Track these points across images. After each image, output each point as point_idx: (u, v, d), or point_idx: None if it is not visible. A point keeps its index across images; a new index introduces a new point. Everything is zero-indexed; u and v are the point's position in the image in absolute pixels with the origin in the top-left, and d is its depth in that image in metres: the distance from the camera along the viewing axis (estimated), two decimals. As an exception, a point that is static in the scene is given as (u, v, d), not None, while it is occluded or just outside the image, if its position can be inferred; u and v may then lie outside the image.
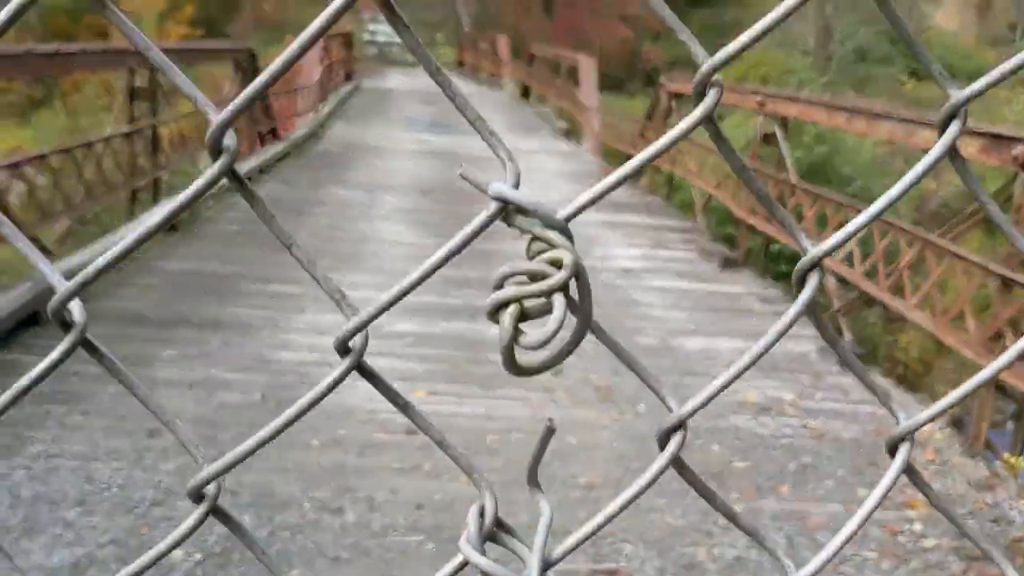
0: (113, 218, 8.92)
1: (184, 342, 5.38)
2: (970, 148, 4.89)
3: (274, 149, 11.70)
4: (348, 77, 20.90)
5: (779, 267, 10.17)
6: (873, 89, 30.33)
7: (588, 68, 15.87)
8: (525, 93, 21.94)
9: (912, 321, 5.64)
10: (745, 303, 7.14)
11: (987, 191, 0.56)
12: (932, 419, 0.56)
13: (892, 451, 0.57)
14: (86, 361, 0.57)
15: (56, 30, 24.79)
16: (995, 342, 4.71)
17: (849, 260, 6.34)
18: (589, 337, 0.55)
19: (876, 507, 0.56)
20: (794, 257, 5.15)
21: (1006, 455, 4.51)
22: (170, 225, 7.28)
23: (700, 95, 0.48)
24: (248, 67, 11.22)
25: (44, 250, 6.50)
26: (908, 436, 0.56)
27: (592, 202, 0.49)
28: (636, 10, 31.81)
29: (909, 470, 0.56)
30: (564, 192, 10.97)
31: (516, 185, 0.47)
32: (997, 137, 4.87)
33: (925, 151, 0.58)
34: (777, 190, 7.39)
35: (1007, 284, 4.65)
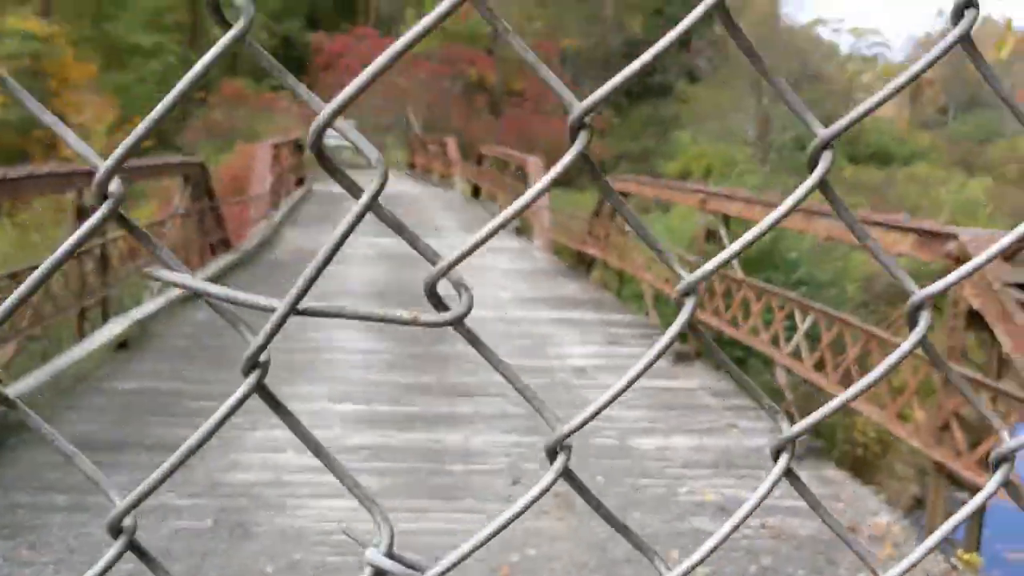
0: (62, 336, 8.79)
1: (134, 467, 5.27)
2: (903, 244, 5.07)
3: (226, 259, 11.70)
4: (299, 182, 21.09)
5: (734, 353, 10.29)
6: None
7: (536, 167, 16.21)
8: (476, 192, 22.29)
9: (862, 413, 5.73)
10: (699, 398, 7.20)
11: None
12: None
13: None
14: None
15: (5, 145, 24.78)
16: (943, 432, 4.79)
17: (797, 354, 6.45)
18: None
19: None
20: (747, 347, 5.19)
21: (960, 551, 4.54)
22: (120, 342, 7.17)
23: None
24: (198, 179, 11.29)
25: (-11, 377, 6.38)
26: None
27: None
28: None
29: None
30: (516, 290, 11.08)
31: (390, 549, 0.50)
32: (930, 233, 5.05)
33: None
34: (724, 285, 7.54)
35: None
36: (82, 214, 8.15)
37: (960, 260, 4.69)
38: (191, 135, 28.29)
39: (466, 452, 5.71)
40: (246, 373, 0.52)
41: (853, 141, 36.37)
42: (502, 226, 0.54)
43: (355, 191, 0.51)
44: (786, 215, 0.57)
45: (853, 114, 0.57)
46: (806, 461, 5.84)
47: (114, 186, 0.50)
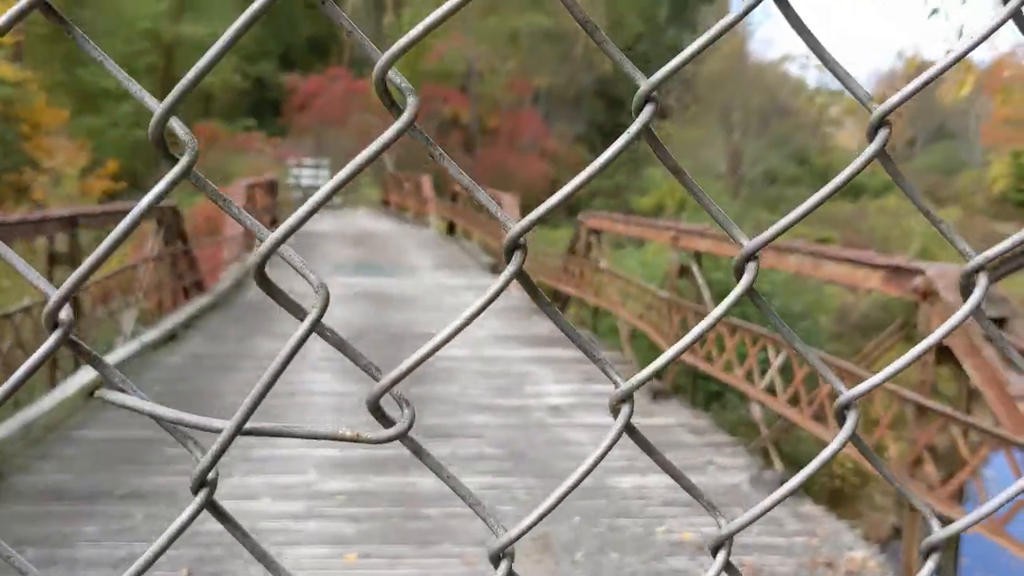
0: (34, 384, 8.68)
1: (106, 517, 5.21)
2: (872, 280, 5.13)
3: (200, 302, 11.63)
4: (274, 222, 21.05)
5: (709, 387, 10.33)
6: (786, 207, 31.66)
7: (511, 205, 16.29)
8: (451, 230, 22.34)
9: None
10: (676, 435, 7.21)
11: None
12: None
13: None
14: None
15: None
16: (916, 467, 4.83)
17: (772, 389, 6.49)
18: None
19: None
20: (724, 385, 5.21)
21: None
22: (90, 390, 7.10)
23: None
24: (171, 223, 11.26)
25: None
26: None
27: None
28: (553, 146, 32.99)
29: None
30: (491, 327, 11.07)
31: None
32: (898, 269, 5.12)
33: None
34: (697, 321, 7.59)
35: (922, 409, 4.81)
36: (54, 260, 8.11)
37: (927, 295, 4.76)
38: (162, 178, 28.17)
39: (441, 495, 5.67)
40: (195, 491, 0.52)
41: (824, 174, 36.84)
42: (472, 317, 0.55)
43: (298, 312, 0.52)
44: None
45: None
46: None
47: (64, 314, 0.51)
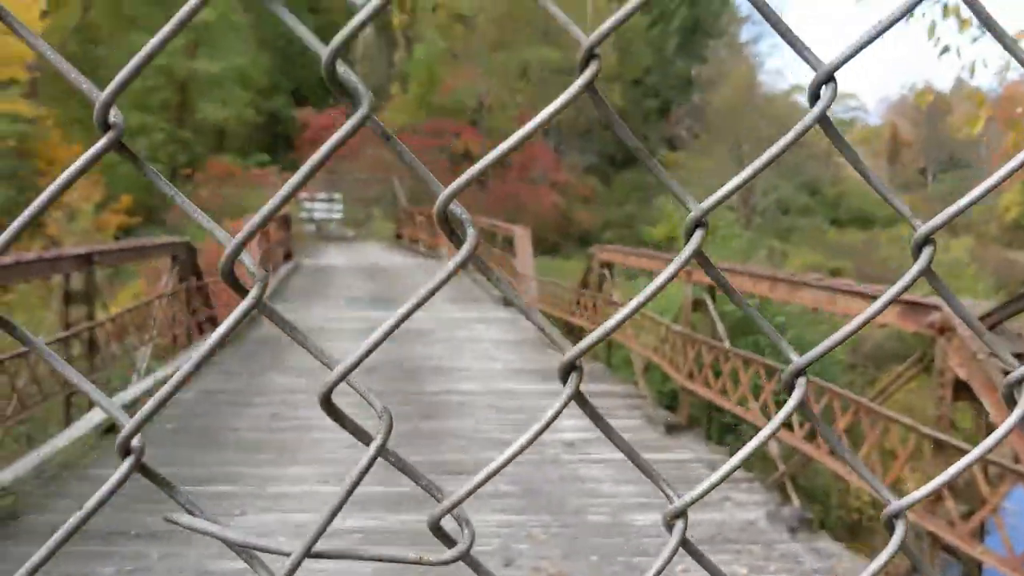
0: (48, 425, 8.72)
1: (123, 557, 5.20)
2: (887, 315, 5.11)
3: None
4: (287, 257, 21.17)
5: (723, 419, 10.27)
6: (797, 238, 31.67)
7: (524, 238, 16.33)
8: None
9: (855, 485, 5.71)
10: (692, 470, 7.16)
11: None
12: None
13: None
14: None
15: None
16: (936, 503, 4.78)
17: (788, 424, 6.44)
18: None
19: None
20: (736, 418, 5.16)
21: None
22: (107, 427, 7.11)
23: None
24: (186, 259, 11.33)
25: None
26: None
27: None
28: (564, 178, 33.11)
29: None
30: (505, 360, 11.06)
31: None
32: (914, 304, 5.11)
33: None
34: (712, 355, 7.56)
35: (940, 445, 4.78)
36: (70, 298, 8.16)
37: (944, 330, 4.74)
38: (178, 212, 28.42)
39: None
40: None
41: (836, 204, 36.87)
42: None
43: (364, 438, 0.53)
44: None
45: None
46: (800, 533, 5.80)
47: (136, 441, 0.52)
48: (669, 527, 0.60)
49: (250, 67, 31.85)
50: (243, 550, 0.54)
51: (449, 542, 0.54)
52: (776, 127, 34.34)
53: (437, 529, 0.53)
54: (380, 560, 0.54)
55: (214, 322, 12.52)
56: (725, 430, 10.94)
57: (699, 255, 0.56)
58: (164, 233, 24.69)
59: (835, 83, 0.55)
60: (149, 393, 8.68)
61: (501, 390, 9.51)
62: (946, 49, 6.26)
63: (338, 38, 0.48)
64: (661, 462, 7.30)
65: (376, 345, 0.52)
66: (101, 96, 0.52)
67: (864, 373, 18.38)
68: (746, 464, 8.69)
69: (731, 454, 7.92)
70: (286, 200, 0.51)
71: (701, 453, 7.64)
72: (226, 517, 5.72)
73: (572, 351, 0.57)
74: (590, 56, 0.52)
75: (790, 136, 0.55)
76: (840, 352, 17.71)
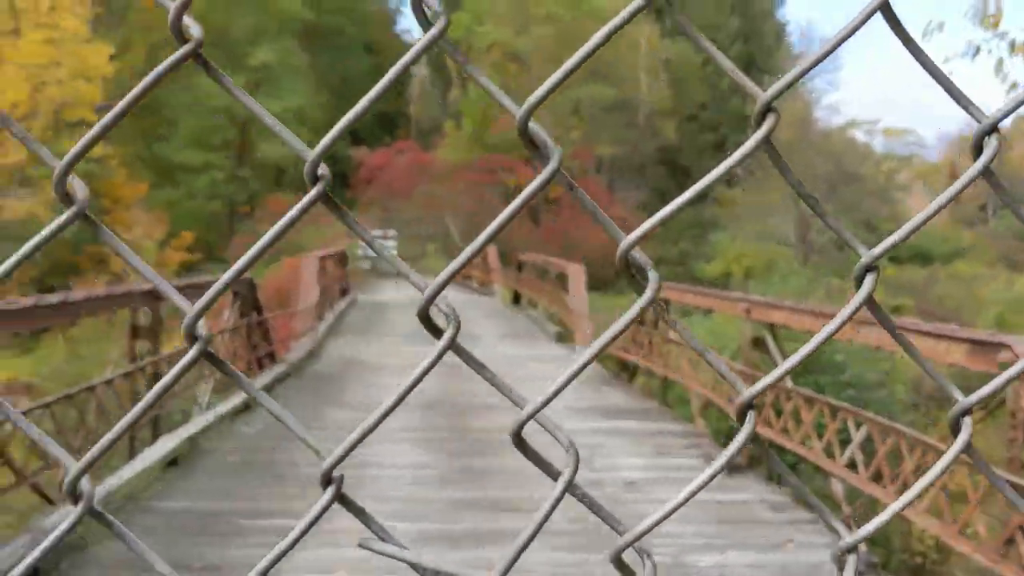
0: (113, 460, 8.87)
1: (184, 590, 5.26)
2: (955, 354, 5.01)
3: (273, 371, 11.82)
4: (344, 293, 21.42)
5: (785, 458, 10.08)
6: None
7: (577, 274, 16.34)
8: (516, 299, 22.45)
9: (923, 527, 5.57)
10: (755, 512, 7.04)
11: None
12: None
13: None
14: None
15: (58, 261, 25.53)
16: (1008, 546, 4.64)
17: (853, 464, 6.32)
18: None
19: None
20: (799, 457, 5.08)
21: None
22: (170, 460, 7.21)
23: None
24: (247, 295, 11.53)
25: (45, 498, 6.45)
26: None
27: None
28: (617, 214, 33.09)
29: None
30: (563, 399, 10.98)
31: None
32: (981, 343, 4.99)
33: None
34: (773, 394, 7.46)
35: (1015, 488, 4.64)
36: (137, 332, 8.35)
37: (1018, 370, 4.62)
38: (236, 249, 28.98)
39: (516, 570, 5.60)
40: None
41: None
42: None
43: (551, 472, 0.55)
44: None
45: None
46: (867, 577, 5.66)
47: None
48: (840, 562, 0.60)
49: (308, 106, 32.52)
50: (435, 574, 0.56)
51: (628, 572, 0.55)
52: (832, 163, 34.05)
53: (619, 561, 0.55)
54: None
55: (273, 357, 12.69)
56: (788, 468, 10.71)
57: (870, 302, 0.57)
58: (223, 269, 25.12)
59: (999, 134, 0.56)
60: (213, 427, 8.81)
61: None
62: (1014, 86, 6.16)
63: (533, 97, 0.50)
64: (722, 503, 7.20)
65: (564, 386, 0.53)
66: (311, 155, 0.55)
67: (927, 413, 17.94)
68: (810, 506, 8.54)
69: (795, 495, 7.77)
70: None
71: (764, 494, 7.51)
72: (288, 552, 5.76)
73: (747, 392, 0.58)
74: (767, 110, 0.53)
75: (957, 186, 0.56)
76: (902, 391, 17.35)
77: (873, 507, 7.33)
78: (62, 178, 0.54)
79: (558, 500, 0.53)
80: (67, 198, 0.55)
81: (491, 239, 0.55)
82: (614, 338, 0.55)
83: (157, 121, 31.19)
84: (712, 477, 0.58)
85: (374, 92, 0.55)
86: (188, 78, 29.06)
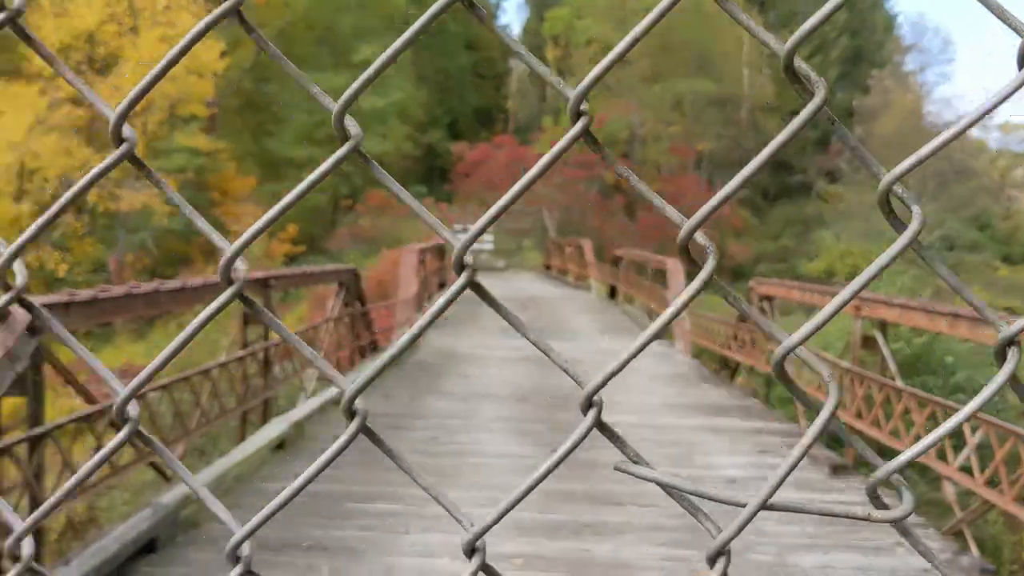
0: (220, 443, 9.21)
1: (294, 568, 5.41)
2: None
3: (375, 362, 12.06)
4: (442, 285, 21.67)
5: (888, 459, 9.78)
6: (966, 276, 30.02)
7: (676, 270, 16.16)
8: (612, 294, 22.34)
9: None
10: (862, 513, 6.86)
11: None
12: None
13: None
14: None
15: (171, 251, 26.54)
16: None
17: (967, 468, 6.10)
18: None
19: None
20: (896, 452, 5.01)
21: None
22: (278, 443, 7.43)
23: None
24: (351, 285, 11.79)
25: (162, 475, 6.73)
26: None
27: None
28: (717, 211, 32.56)
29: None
30: (662, 395, 10.94)
31: None
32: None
33: None
34: (882, 394, 7.24)
35: None
36: (248, 319, 8.63)
37: None
38: (338, 241, 29.62)
39: (616, 563, 5.60)
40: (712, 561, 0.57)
41: (1008, 240, 34.76)
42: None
43: (815, 404, 0.57)
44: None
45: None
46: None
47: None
48: (873, 494, 0.62)
49: (409, 102, 32.99)
50: (683, 498, 0.59)
51: (881, 505, 0.56)
52: (944, 159, 32.82)
53: (874, 493, 0.57)
54: (830, 515, 0.57)
55: (375, 347, 12.94)
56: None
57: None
58: (325, 261, 25.79)
59: (588, 117, 0.59)
60: (316, 413, 9.04)
61: (657, 424, 9.40)
62: None
63: (798, 34, 0.52)
64: (827, 502, 7.03)
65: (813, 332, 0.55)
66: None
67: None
68: (919, 510, 8.25)
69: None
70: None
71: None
72: (392, 535, 5.88)
73: (1012, 327, 0.58)
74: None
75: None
76: (1012, 397, 16.61)
77: (987, 513, 7.06)
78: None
79: (822, 429, 0.55)
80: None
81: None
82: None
83: (266, 117, 32.12)
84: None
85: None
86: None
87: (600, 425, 0.60)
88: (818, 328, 0.55)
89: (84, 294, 5.31)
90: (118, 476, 5.97)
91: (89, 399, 5.63)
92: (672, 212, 0.58)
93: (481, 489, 7.01)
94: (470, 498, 6.75)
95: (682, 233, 0.56)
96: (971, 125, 0.56)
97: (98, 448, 5.75)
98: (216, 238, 0.60)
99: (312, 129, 31.37)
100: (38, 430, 4.64)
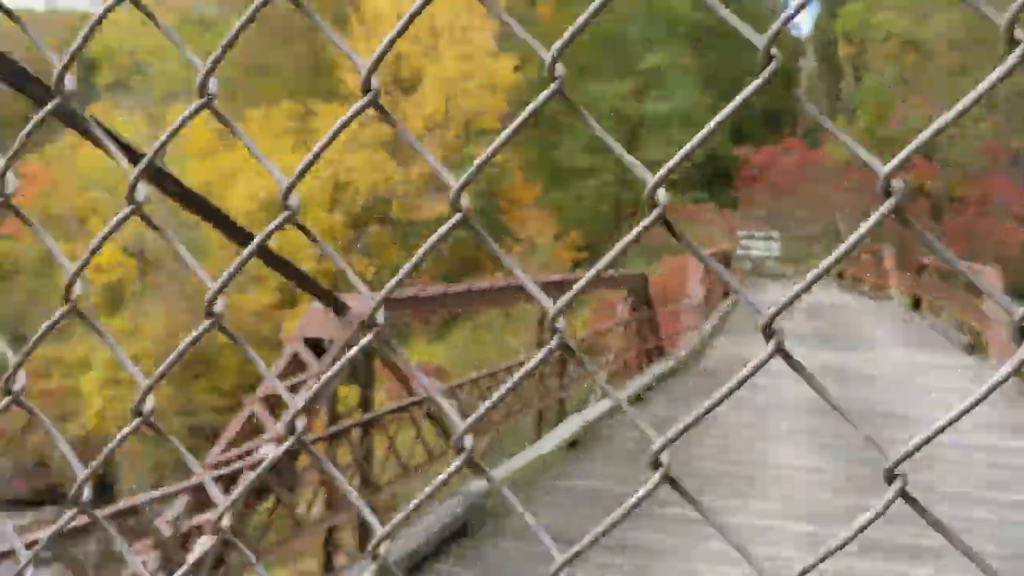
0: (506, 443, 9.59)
1: (591, 564, 5.52)
2: None
3: (661, 367, 12.04)
4: (726, 293, 21.26)
5: None
6: None
7: (993, 279, 14.78)
8: (916, 305, 20.83)
9: None
10: None
11: None
12: None
13: None
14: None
15: (464, 259, 28.04)
16: None
17: None
18: None
19: None
20: None
21: None
22: (571, 442, 7.62)
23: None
24: (639, 290, 11.87)
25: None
26: None
27: None
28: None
29: None
30: (978, 417, 10.03)
31: None
32: None
33: None
34: None
35: None
36: (543, 322, 8.97)
37: None
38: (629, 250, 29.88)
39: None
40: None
41: None
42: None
43: None
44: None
45: None
46: None
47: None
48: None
49: (694, 108, 32.70)
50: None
51: None
52: None
53: None
54: None
55: (661, 351, 12.94)
56: None
57: None
58: (608, 268, 26.06)
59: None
60: (606, 415, 9.18)
61: (970, 444, 8.64)
62: None
63: None
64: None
65: None
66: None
67: None
68: None
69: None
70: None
71: None
72: (690, 540, 5.85)
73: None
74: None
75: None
76: None
77: None
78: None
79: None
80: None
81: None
82: None
83: (550, 129, 33.11)
84: None
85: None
86: (582, 84, 30.50)
87: (904, 496, 0.56)
88: None
89: (427, 290, 5.74)
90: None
91: (409, 391, 6.08)
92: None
93: (784, 502, 6.78)
94: (774, 510, 6.56)
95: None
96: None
97: (417, 435, 6.21)
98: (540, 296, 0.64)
99: (595, 138, 31.91)
100: (368, 416, 5.07)
